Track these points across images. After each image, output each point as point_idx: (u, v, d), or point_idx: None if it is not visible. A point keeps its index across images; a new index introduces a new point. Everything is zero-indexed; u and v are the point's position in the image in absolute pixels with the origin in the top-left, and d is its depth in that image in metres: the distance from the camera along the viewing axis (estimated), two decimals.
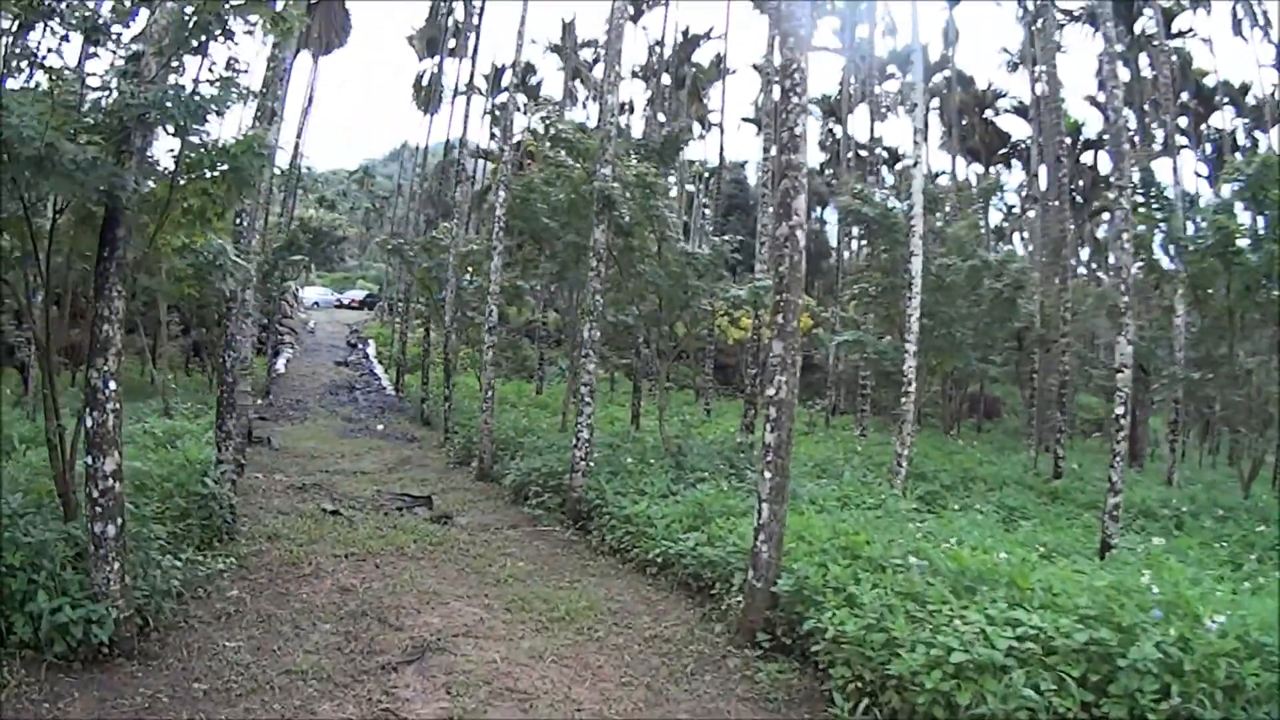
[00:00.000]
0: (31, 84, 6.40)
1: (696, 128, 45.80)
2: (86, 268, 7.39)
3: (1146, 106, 34.41)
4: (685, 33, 46.14)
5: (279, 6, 7.39)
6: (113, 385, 6.34)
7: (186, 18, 6.40)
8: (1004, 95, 46.99)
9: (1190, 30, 36.83)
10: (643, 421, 22.00)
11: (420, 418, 26.75)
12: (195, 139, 6.86)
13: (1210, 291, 17.70)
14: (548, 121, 18.17)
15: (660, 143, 18.76)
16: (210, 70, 7.01)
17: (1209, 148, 40.22)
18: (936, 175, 46.57)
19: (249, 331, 15.16)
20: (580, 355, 14.44)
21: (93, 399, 6.30)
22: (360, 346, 43.33)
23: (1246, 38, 33.85)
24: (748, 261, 26.65)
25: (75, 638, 6.19)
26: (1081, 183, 43.10)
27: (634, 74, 47.63)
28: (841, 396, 37.01)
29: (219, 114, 6.54)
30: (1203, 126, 39.77)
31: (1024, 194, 48.32)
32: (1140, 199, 16.91)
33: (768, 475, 7.82)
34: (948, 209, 25.32)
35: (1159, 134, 33.49)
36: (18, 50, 6.31)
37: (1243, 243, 16.10)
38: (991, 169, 49.38)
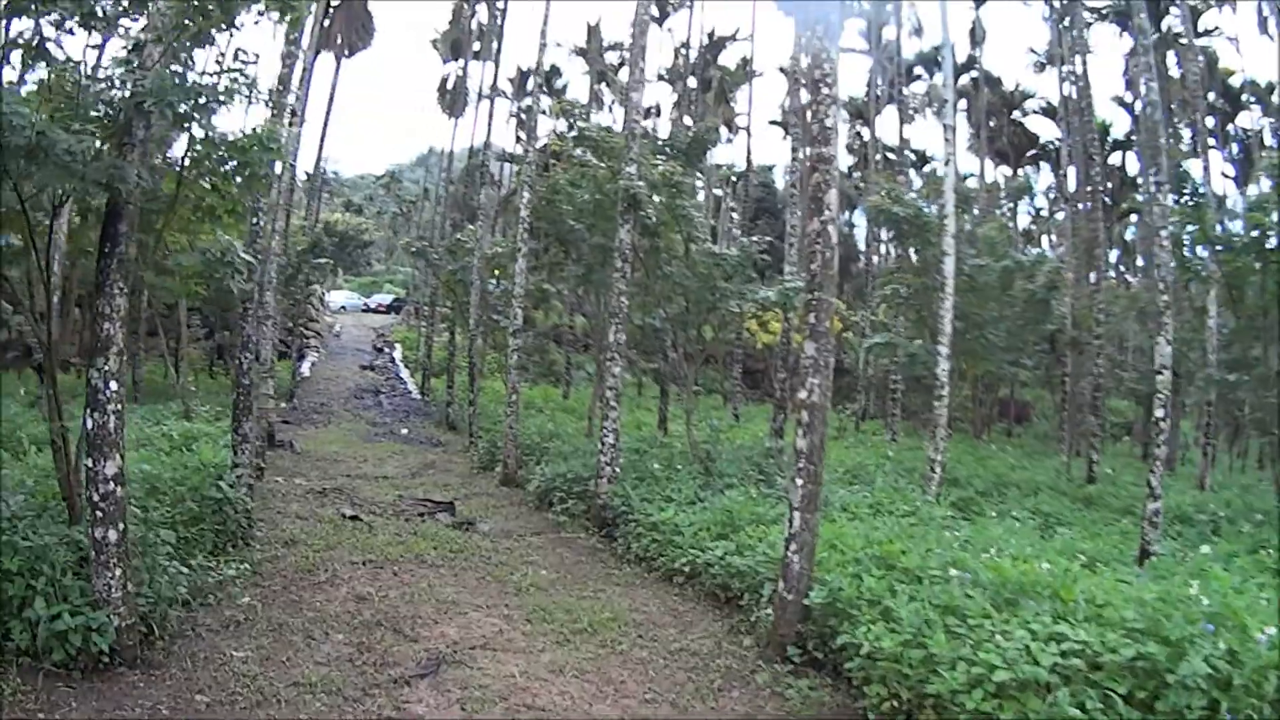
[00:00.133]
0: (31, 75, 6.16)
1: (724, 131, 45.40)
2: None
3: (1174, 106, 33.70)
4: (711, 35, 45.81)
5: None
6: (114, 386, 6.08)
7: (187, 4, 6.13)
8: (1032, 96, 46.45)
9: (1216, 29, 36.13)
10: (670, 426, 21.73)
11: (445, 422, 26.60)
12: (202, 132, 6.61)
13: (1245, 291, 17.16)
14: (571, 120, 17.91)
15: (687, 142, 18.48)
16: (218, 61, 6.77)
17: (1236, 148, 39.41)
18: (965, 178, 45.98)
19: (269, 334, 14.95)
20: (606, 359, 14.15)
21: (93, 400, 6.05)
22: (386, 350, 43.29)
23: (1272, 35, 33.11)
24: (776, 265, 26.30)
25: (74, 646, 5.95)
26: (1110, 184, 42.41)
27: (660, 77, 47.46)
28: (871, 401, 36.56)
29: (221, 103, 6.26)
30: (1229, 126, 38.95)
31: (1052, 196, 47.68)
32: (1175, 197, 16.43)
33: (799, 482, 7.45)
34: (976, 211, 24.87)
35: (1186, 134, 32.79)
36: (18, 41, 6.05)
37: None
38: (1020, 171, 48.78)
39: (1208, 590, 6.06)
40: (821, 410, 7.59)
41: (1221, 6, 34.57)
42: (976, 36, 43.37)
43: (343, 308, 56.50)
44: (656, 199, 14.54)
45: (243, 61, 6.82)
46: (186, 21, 6.16)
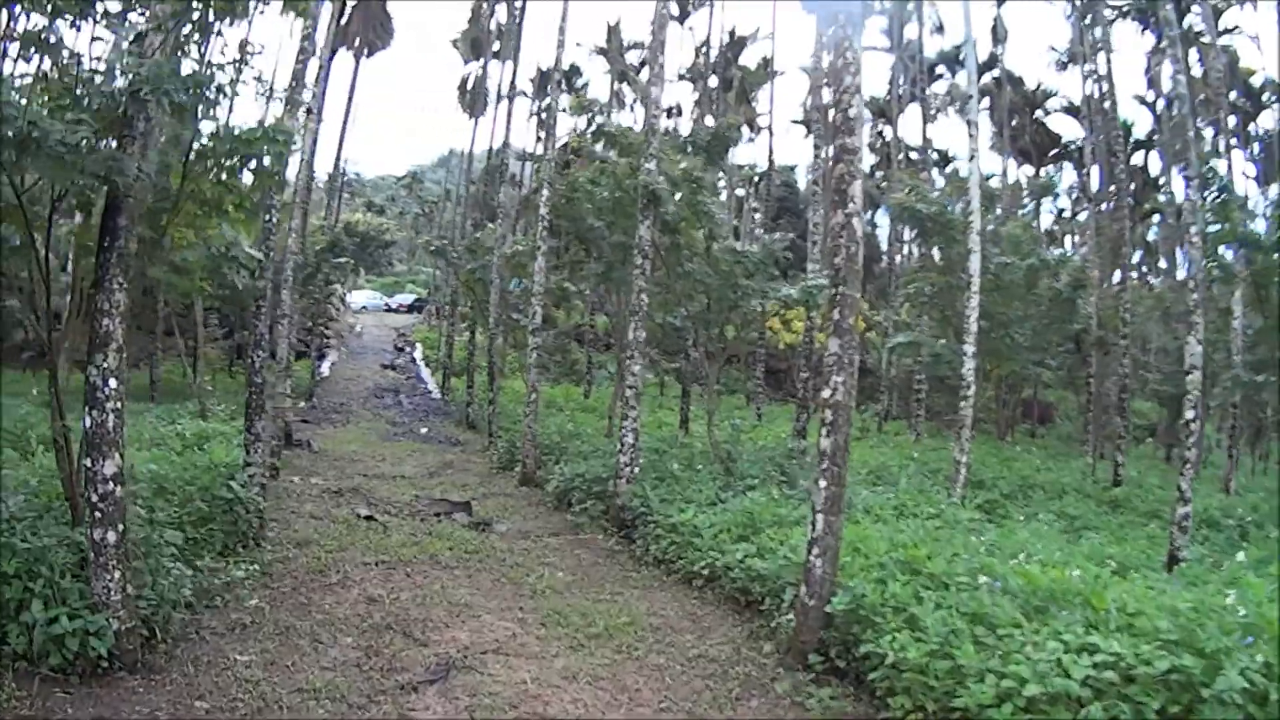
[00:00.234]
0: (30, 65, 6.00)
1: (745, 131, 45.12)
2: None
3: (1196, 105, 33.09)
4: (732, 34, 45.58)
5: None
6: (113, 384, 5.92)
7: None
8: (1054, 95, 45.84)
9: (1236, 27, 35.43)
10: (692, 426, 21.49)
11: (465, 421, 26.49)
12: (208, 125, 6.45)
13: (1270, 291, 16.76)
14: (591, 116, 17.73)
15: (708, 139, 18.23)
16: (222, 53, 6.60)
17: (1257, 148, 38.72)
18: (988, 177, 45.51)
19: (286, 333, 14.83)
20: (626, 357, 13.93)
21: (91, 398, 5.89)
22: (407, 350, 43.33)
23: None
24: (799, 264, 26.07)
25: (71, 650, 5.78)
26: (1133, 185, 41.86)
27: (681, 77, 47.25)
28: (895, 401, 36.22)
29: (221, 94, 6.08)
30: (1250, 126, 38.25)
31: (1074, 196, 47.11)
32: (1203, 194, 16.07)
33: (823, 484, 7.18)
34: (998, 211, 24.51)
35: (1208, 133, 32.23)
36: (13, 33, 5.89)
37: None
38: (1042, 171, 48.23)
39: (1245, 599, 5.82)
40: (846, 409, 7.32)
41: (1243, 5, 33.91)
42: (998, 34, 42.84)
43: (364, 307, 56.65)
44: (677, 196, 14.32)
45: (249, 54, 6.64)
46: (190, 9, 5.96)
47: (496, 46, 34.80)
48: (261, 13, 6.82)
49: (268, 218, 10.79)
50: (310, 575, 9.17)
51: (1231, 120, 33.79)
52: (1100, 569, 7.39)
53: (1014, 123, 45.47)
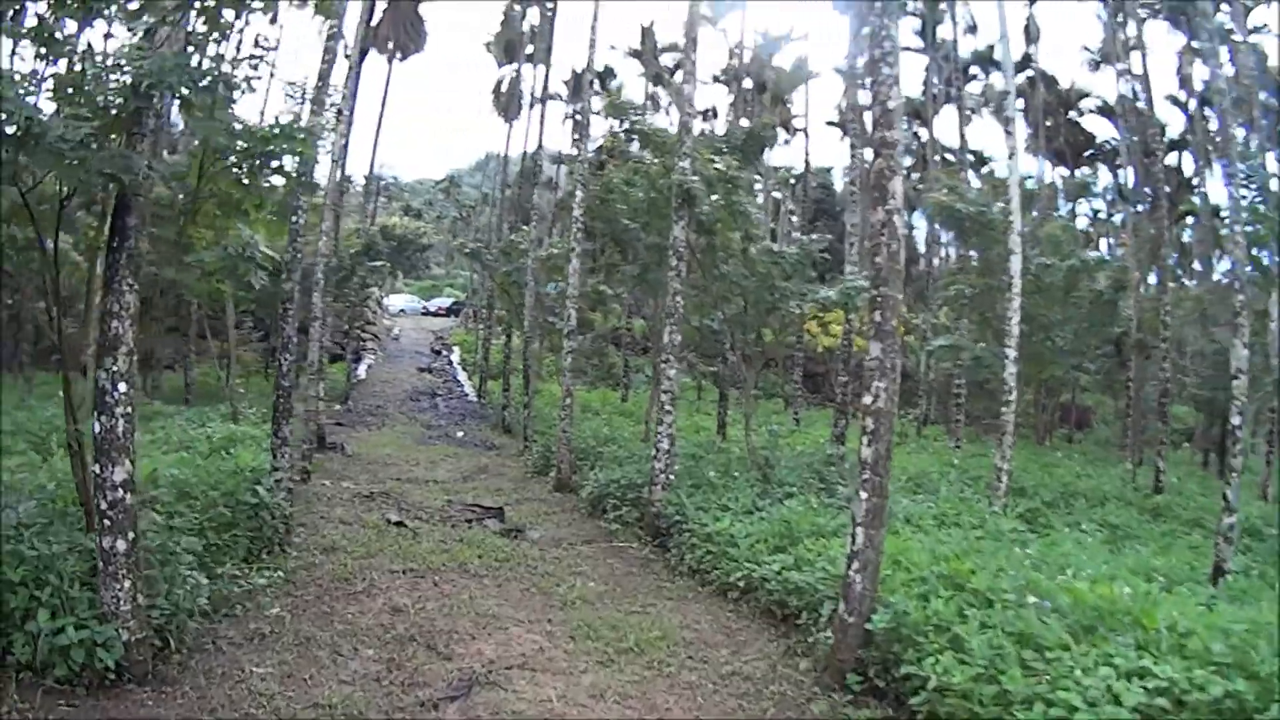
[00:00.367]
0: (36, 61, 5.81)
1: (781, 133, 44.74)
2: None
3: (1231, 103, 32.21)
4: (765, 36, 45.23)
5: None
6: (123, 388, 5.72)
7: None
8: (1088, 95, 44.92)
9: (1264, 26, 34.45)
10: (729, 431, 21.15)
11: (501, 425, 26.31)
12: (222, 123, 6.23)
13: None
14: (624, 115, 17.45)
15: (743, 138, 17.91)
16: (238, 49, 6.40)
17: None
18: (1025, 178, 44.71)
19: (317, 335, 14.69)
20: (661, 361, 13.62)
21: (100, 403, 5.70)
22: (444, 353, 43.31)
23: None
24: (837, 266, 25.68)
25: (77, 661, 5.61)
26: (1167, 186, 40.94)
27: (715, 79, 46.95)
28: (933, 405, 35.64)
29: (231, 88, 5.86)
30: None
31: (1110, 197, 46.15)
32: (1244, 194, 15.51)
33: (864, 495, 6.81)
34: (1034, 213, 23.96)
35: (1240, 133, 31.33)
36: (20, 29, 5.71)
37: None
38: (1077, 171, 47.37)
39: None
40: (888, 417, 6.95)
41: (1270, 2, 32.98)
42: (1031, 34, 42.02)
43: (402, 311, 56.85)
44: (713, 196, 14.01)
45: (262, 49, 6.43)
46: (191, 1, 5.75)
47: (530, 50, 34.72)
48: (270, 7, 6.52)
49: (294, 219, 10.62)
50: (335, 583, 8.96)
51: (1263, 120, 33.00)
52: (1148, 584, 7.05)
53: (1048, 123, 44.68)
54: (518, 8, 38.22)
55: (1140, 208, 32.95)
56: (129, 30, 6.18)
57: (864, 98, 21.98)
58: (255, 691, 6.03)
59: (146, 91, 5.37)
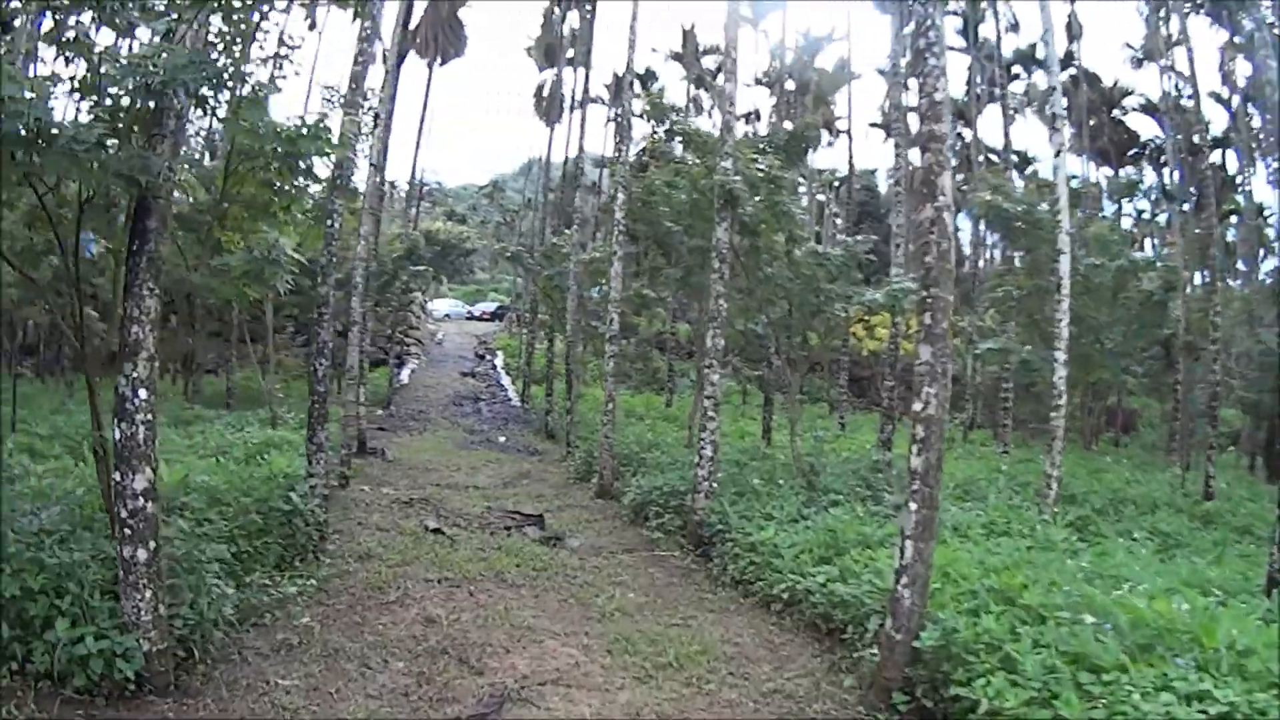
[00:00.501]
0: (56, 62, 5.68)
1: (824, 135, 44.29)
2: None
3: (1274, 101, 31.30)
4: (807, 36, 44.87)
5: None
6: (143, 394, 5.57)
7: None
8: (1131, 92, 43.93)
9: None
10: (774, 436, 20.78)
11: (544, 430, 26.16)
12: (247, 123, 6.07)
13: None
14: (664, 115, 17.19)
15: (786, 138, 17.61)
16: (262, 48, 6.25)
17: None
18: (1070, 178, 43.82)
19: (356, 340, 14.58)
20: (705, 365, 13.34)
21: (120, 409, 5.56)
22: (488, 358, 43.36)
23: None
24: (882, 268, 25.28)
25: (96, 671, 5.48)
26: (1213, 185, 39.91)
27: (757, 81, 46.63)
28: (979, 409, 34.99)
29: (248, 84, 5.69)
30: None
31: (1154, 197, 45.08)
32: None
33: (913, 506, 6.45)
34: (1080, 212, 23.36)
35: None
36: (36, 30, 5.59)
37: None
38: (1121, 171, 46.37)
39: None
40: (939, 424, 6.59)
41: None
42: (1073, 31, 41.17)
43: (446, 316, 57.07)
44: (756, 198, 13.71)
45: (287, 46, 6.27)
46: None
47: (570, 54, 34.64)
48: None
49: (330, 223, 10.48)
50: (368, 592, 8.78)
51: None
52: (1204, 598, 6.64)
53: (1091, 122, 43.78)
54: (557, 11, 38.15)
55: (1185, 207, 32.13)
56: (150, 30, 6.06)
57: (907, 98, 21.58)
58: (279, 705, 5.85)
59: (160, 90, 5.20)
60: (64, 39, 5.43)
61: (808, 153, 22.11)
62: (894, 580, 6.52)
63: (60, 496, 7.16)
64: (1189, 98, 24.52)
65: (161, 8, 5.88)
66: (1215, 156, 40.30)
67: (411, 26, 31.41)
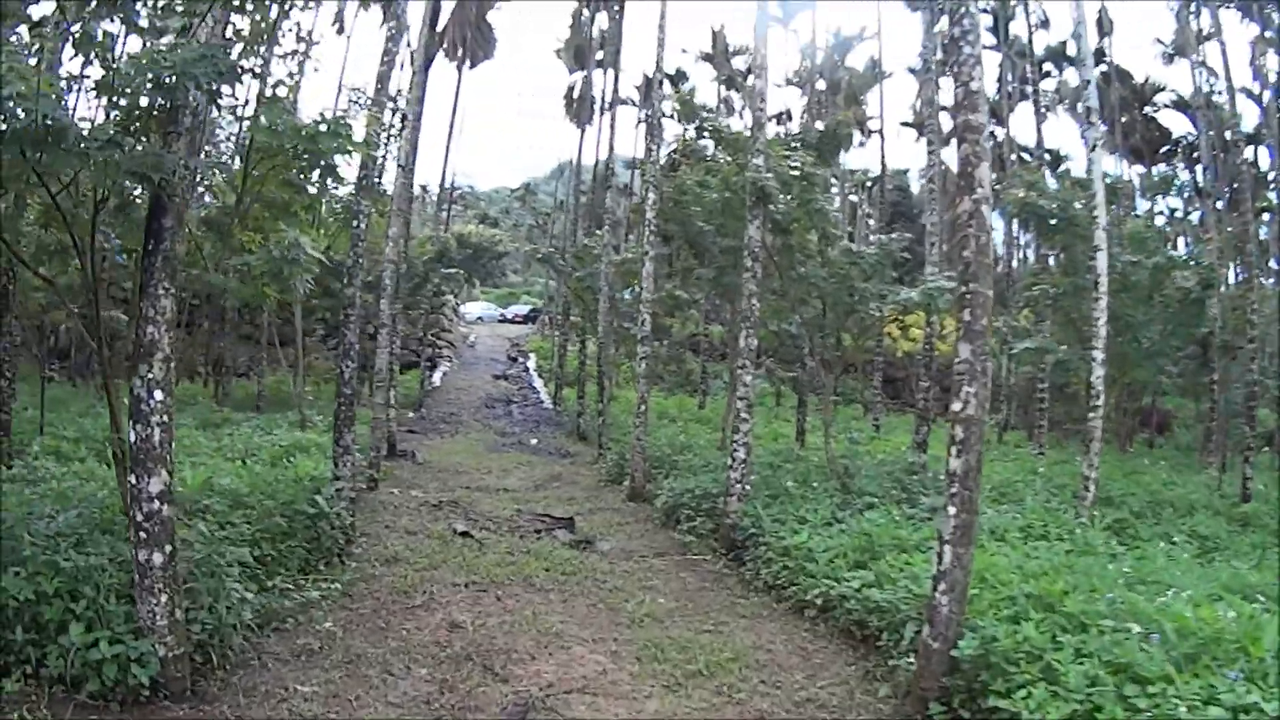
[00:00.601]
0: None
1: (856, 134, 43.93)
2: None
3: None
4: (837, 35, 44.59)
5: None
6: (159, 396, 5.47)
7: None
8: (1163, 89, 43.14)
9: None
10: (808, 438, 20.52)
11: (576, 432, 26.04)
12: (266, 120, 5.96)
13: None
14: (694, 114, 17.03)
15: (818, 137, 17.36)
16: (280, 43, 6.15)
17: None
18: (1104, 175, 43.15)
19: (385, 343, 14.50)
20: (738, 366, 13.13)
21: (136, 411, 5.47)
22: (520, 360, 43.34)
23: None
24: (916, 269, 24.95)
25: (111, 676, 5.38)
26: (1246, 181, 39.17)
27: (788, 81, 46.33)
28: (1013, 410, 34.47)
29: (263, 81, 5.57)
30: None
31: (1187, 194, 44.24)
32: None
33: (951, 510, 6.19)
34: (1114, 208, 22.93)
35: None
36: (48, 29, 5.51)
37: None
38: (1154, 168, 45.62)
39: None
40: (978, 425, 6.33)
41: None
42: (1104, 27, 40.50)
43: (479, 318, 57.19)
44: (788, 196, 13.49)
45: (307, 43, 6.16)
46: None
47: (600, 55, 34.56)
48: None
49: (356, 225, 10.39)
50: (393, 596, 8.67)
51: None
52: (1248, 604, 6.37)
53: (1123, 119, 43.09)
54: (585, 12, 38.10)
55: (1219, 204, 31.49)
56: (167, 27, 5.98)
57: (940, 96, 21.27)
58: (297, 712, 5.73)
59: (172, 86, 5.09)
60: (76, 36, 5.33)
61: (840, 150, 21.80)
62: (931, 586, 6.27)
63: (81, 499, 7.11)
64: (1221, 93, 23.98)
65: (180, 8, 5.77)
66: (1248, 153, 39.62)
67: (439, 29, 31.43)
